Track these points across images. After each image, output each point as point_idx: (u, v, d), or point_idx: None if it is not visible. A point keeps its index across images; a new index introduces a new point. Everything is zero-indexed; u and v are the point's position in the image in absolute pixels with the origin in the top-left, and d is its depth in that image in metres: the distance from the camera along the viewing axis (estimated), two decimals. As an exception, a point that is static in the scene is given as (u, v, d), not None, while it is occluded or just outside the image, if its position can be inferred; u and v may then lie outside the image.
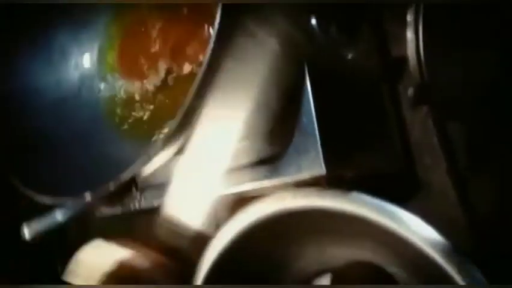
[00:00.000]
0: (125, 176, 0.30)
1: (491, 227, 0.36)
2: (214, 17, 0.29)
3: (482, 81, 0.33)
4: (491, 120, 0.35)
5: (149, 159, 0.30)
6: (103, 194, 0.30)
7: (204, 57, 0.29)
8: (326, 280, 0.44)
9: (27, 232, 0.29)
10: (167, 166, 0.44)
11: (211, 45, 0.29)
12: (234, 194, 0.41)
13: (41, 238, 0.28)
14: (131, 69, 0.40)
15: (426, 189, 0.39)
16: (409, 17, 0.30)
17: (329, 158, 0.34)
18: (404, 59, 0.35)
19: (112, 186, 0.30)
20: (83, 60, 0.43)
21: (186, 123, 0.30)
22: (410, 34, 0.30)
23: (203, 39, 0.33)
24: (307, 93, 0.35)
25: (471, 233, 0.36)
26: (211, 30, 0.30)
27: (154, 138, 0.36)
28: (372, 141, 0.38)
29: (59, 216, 0.29)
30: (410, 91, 0.31)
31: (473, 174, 0.37)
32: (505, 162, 0.35)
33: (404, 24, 0.31)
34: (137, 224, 0.56)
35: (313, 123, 0.34)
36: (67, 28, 0.44)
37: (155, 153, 0.30)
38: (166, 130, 0.30)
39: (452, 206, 0.37)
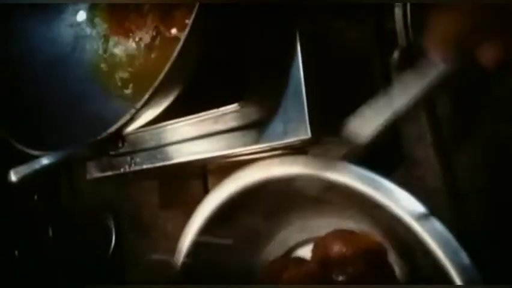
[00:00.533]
0: (113, 128, 0.30)
1: (473, 199, 0.36)
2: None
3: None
4: (476, 94, 0.36)
5: (136, 111, 0.30)
6: (91, 143, 0.30)
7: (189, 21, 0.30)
8: (308, 249, 0.45)
9: (13, 175, 0.29)
10: (157, 132, 0.45)
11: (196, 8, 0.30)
12: (223, 157, 0.42)
13: (27, 181, 0.29)
14: (120, 27, 0.41)
15: (410, 160, 0.40)
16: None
17: (315, 123, 0.34)
18: (395, 32, 0.35)
19: (99, 136, 0.30)
20: (77, 18, 0.44)
21: (171, 82, 0.31)
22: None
23: (191, 4, 0.34)
24: (297, 59, 0.36)
25: (453, 204, 0.37)
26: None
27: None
28: (358, 109, 0.38)
29: (45, 161, 0.30)
30: (396, 54, 0.32)
31: (457, 147, 0.37)
32: (487, 135, 0.36)
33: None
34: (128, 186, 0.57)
35: (301, 88, 0.35)
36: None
37: (142, 107, 0.30)
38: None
39: (435, 178, 0.37)
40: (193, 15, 0.30)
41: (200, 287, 0.45)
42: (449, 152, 0.36)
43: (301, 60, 0.36)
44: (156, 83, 0.30)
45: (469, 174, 0.37)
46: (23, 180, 0.29)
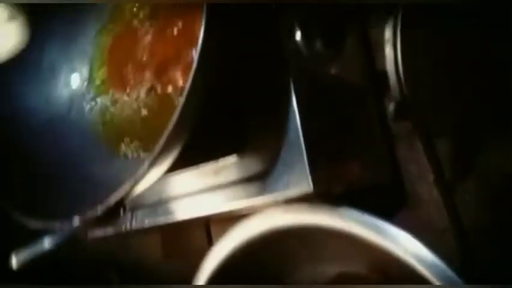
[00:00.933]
0: (113, 199, 0.30)
1: (479, 238, 0.36)
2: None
3: (463, 95, 0.33)
4: (476, 131, 0.36)
5: (136, 181, 0.30)
6: (91, 218, 0.30)
7: (186, 83, 0.30)
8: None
9: (15, 261, 0.28)
10: (157, 186, 0.44)
11: (193, 70, 0.30)
12: (225, 212, 0.41)
13: (29, 267, 0.28)
14: (117, 79, 0.41)
15: (413, 200, 0.40)
16: (387, 34, 0.31)
17: (316, 174, 0.34)
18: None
19: (99, 210, 0.30)
20: (73, 79, 0.43)
21: (171, 145, 0.31)
22: (388, 50, 0.31)
23: (187, 63, 0.34)
24: (293, 108, 0.35)
25: (458, 244, 0.36)
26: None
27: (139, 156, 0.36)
28: (358, 154, 0.38)
29: (47, 244, 0.29)
30: (391, 107, 0.32)
31: (460, 185, 0.37)
32: (491, 172, 0.36)
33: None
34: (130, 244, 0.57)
35: (300, 139, 0.35)
36: (57, 45, 0.44)
37: (142, 176, 0.30)
38: (152, 151, 0.30)
39: (440, 217, 0.37)
40: (191, 77, 0.30)
41: (202, 287, 0.44)
42: (453, 190, 0.36)
43: (297, 108, 0.36)
44: (156, 151, 0.29)
45: (474, 212, 0.36)
46: (24, 266, 0.28)
